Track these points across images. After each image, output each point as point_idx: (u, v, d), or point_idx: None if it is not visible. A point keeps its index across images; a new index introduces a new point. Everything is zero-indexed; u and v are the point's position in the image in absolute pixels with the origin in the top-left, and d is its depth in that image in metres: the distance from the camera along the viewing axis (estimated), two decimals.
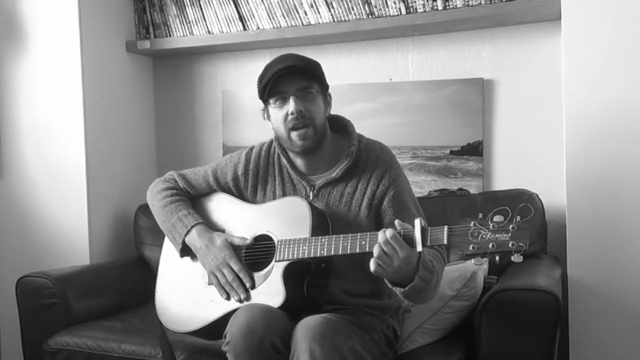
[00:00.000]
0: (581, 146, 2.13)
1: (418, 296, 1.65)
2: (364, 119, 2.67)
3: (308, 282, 1.75)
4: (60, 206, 2.77)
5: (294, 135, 1.81)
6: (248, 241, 1.84)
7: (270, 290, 1.74)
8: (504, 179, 2.53)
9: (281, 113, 1.81)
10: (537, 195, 2.29)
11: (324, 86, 1.87)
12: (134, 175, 2.98)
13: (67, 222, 2.76)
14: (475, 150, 2.55)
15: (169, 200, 1.97)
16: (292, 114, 1.78)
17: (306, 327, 1.61)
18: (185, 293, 1.93)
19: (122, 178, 2.92)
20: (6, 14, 2.79)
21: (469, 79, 2.55)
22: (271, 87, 1.79)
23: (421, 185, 2.61)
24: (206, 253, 1.86)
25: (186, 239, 1.90)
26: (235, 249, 1.85)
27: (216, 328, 1.79)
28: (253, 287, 1.78)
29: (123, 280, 2.63)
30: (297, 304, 1.73)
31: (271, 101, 1.83)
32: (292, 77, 1.79)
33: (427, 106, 2.61)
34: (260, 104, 1.90)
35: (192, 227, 1.90)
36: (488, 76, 2.54)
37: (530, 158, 2.48)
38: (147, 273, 2.68)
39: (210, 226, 1.95)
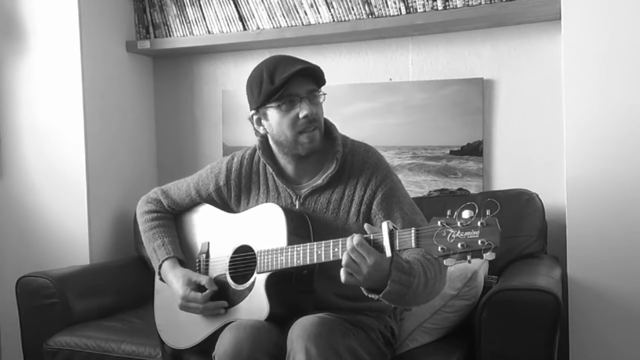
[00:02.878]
0: (581, 146, 2.13)
1: (404, 300, 1.59)
2: (364, 119, 2.68)
3: (293, 290, 1.75)
4: (60, 206, 2.77)
5: (303, 137, 1.76)
6: (213, 285, 1.83)
7: (255, 302, 1.74)
8: (504, 179, 2.52)
9: (289, 116, 1.75)
10: (537, 195, 2.29)
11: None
12: (134, 175, 2.98)
13: (67, 222, 2.76)
14: (475, 150, 2.55)
15: (149, 226, 2.00)
16: (305, 117, 1.74)
17: (302, 327, 1.60)
18: (180, 310, 1.91)
19: (122, 178, 2.92)
20: (6, 14, 2.79)
21: (469, 79, 2.55)
22: (284, 89, 1.73)
23: (421, 185, 2.61)
24: (172, 291, 1.89)
25: (161, 273, 1.94)
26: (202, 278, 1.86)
27: (211, 342, 1.78)
28: (231, 303, 1.80)
29: (123, 280, 2.63)
30: (283, 313, 1.72)
31: (275, 105, 1.76)
32: (303, 80, 1.75)
33: (427, 106, 2.61)
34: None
35: (162, 262, 1.93)
36: (488, 76, 2.54)
37: (530, 158, 2.48)
38: (147, 273, 2.67)
39: (194, 240, 1.98)
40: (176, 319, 1.92)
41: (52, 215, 2.78)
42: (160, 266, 1.93)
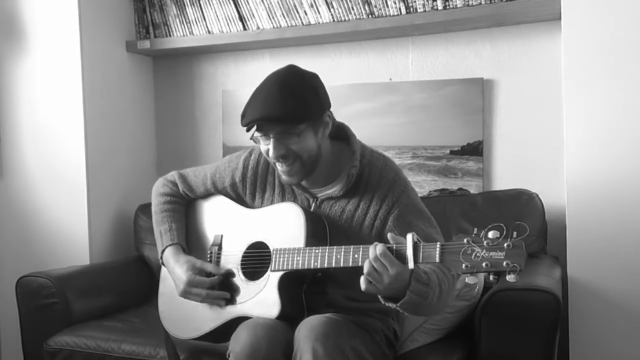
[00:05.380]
0: (581, 146, 2.13)
1: (418, 310, 1.60)
2: (364, 119, 2.67)
3: (305, 290, 1.74)
4: (60, 206, 2.77)
5: (279, 167, 1.75)
6: (220, 271, 1.84)
7: (267, 300, 1.73)
8: (504, 179, 2.52)
9: (264, 147, 1.74)
10: (537, 195, 2.29)
11: (318, 114, 1.72)
12: (134, 175, 2.98)
13: (67, 222, 2.76)
14: (475, 150, 2.55)
15: (160, 209, 1.99)
16: (271, 155, 1.71)
17: (309, 327, 1.61)
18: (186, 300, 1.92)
19: (122, 178, 2.92)
20: (6, 14, 2.79)
21: (469, 79, 2.55)
22: (249, 129, 1.72)
23: (421, 185, 2.61)
24: (173, 278, 1.89)
25: (163, 258, 1.93)
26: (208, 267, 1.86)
27: (217, 335, 1.80)
28: (233, 294, 1.80)
29: (123, 280, 2.63)
30: (294, 313, 1.71)
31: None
32: (270, 124, 1.68)
33: (427, 106, 2.61)
34: None
35: (166, 247, 1.92)
36: (488, 76, 2.54)
37: (530, 158, 2.48)
38: (147, 273, 2.69)
39: (207, 231, 1.96)
40: (180, 308, 1.92)
41: (52, 215, 2.79)
42: (163, 251, 1.92)
